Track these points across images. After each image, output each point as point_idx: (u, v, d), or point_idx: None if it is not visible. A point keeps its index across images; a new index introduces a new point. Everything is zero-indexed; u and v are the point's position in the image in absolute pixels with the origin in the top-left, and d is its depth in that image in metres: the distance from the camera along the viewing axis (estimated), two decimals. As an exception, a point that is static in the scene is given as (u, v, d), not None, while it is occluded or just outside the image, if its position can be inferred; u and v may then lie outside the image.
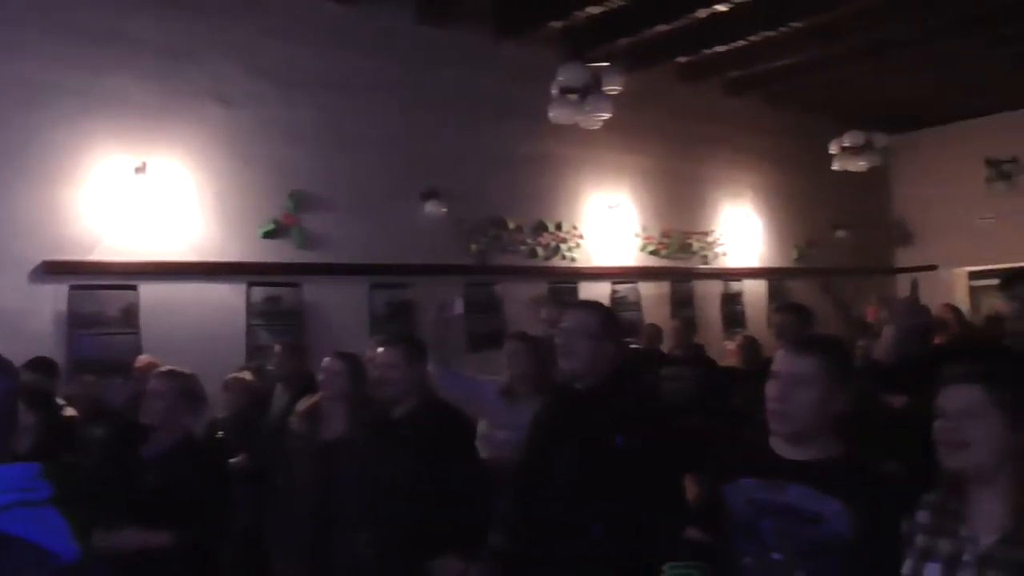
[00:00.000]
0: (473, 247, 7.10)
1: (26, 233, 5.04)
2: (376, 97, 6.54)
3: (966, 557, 1.68)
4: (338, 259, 6.32)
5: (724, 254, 9.50)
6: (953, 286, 11.26)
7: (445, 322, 4.69)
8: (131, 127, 5.46)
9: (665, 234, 8.79)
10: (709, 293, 9.27)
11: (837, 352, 2.04)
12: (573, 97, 6.19)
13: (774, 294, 9.59)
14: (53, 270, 5.10)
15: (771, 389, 2.01)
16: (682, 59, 8.02)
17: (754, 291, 9.70)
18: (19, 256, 5.01)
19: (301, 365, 4.90)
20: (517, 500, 2.75)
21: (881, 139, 9.01)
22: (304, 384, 4.24)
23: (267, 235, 6.01)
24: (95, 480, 3.09)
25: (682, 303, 8.79)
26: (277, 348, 5.13)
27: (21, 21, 5.07)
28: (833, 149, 9.12)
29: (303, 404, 3.54)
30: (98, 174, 5.36)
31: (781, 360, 2.04)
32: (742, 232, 9.74)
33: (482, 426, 3.72)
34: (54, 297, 5.12)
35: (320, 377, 3.45)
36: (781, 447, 2.04)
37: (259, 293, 5.95)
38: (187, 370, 3.21)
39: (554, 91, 6.25)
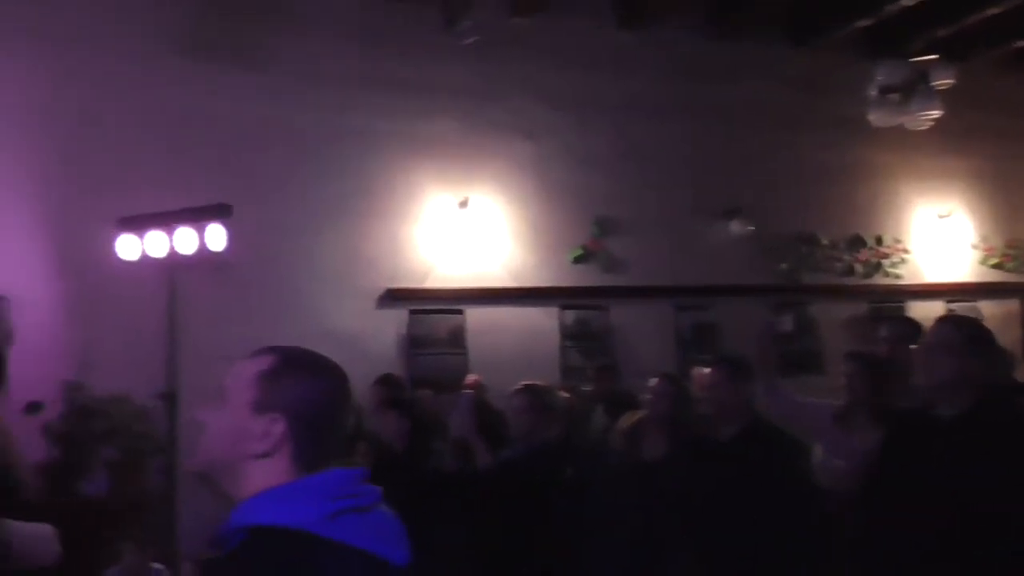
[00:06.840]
0: (782, 266, 6.73)
1: (371, 265, 5.69)
2: (670, 117, 6.48)
3: None
4: (642, 281, 6.35)
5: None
6: None
7: (771, 340, 4.48)
8: (452, 166, 5.96)
9: (1009, 245, 7.68)
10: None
11: None
12: (894, 97, 5.65)
13: None
14: (395, 297, 5.71)
15: None
16: (1019, 44, 6.97)
17: None
18: (366, 285, 5.66)
19: (614, 385, 4.96)
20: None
21: None
22: (619, 403, 4.25)
23: (576, 260, 6.22)
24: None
25: (1035, 323, 7.57)
26: (593, 369, 5.34)
27: (346, 79, 5.66)
28: None
29: (625, 422, 3.54)
30: (427, 210, 5.92)
31: None
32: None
33: (817, 453, 3.46)
34: (396, 321, 5.73)
35: (646, 397, 3.45)
36: None
37: (570, 315, 6.18)
38: (543, 383, 3.42)
39: (872, 92, 5.75)
